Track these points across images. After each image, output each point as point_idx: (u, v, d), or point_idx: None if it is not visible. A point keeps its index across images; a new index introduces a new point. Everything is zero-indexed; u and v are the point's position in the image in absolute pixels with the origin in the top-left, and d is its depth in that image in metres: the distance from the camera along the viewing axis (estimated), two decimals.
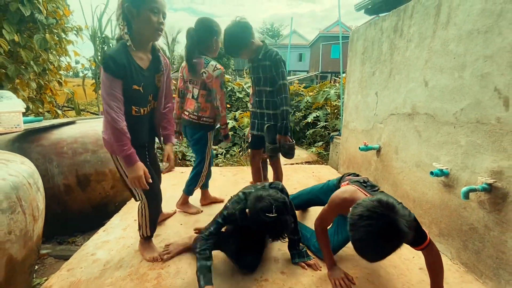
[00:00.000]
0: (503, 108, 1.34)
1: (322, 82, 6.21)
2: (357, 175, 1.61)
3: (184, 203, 2.20)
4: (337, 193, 1.37)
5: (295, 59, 27.47)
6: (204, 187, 2.31)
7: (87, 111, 6.12)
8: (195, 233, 1.81)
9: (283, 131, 1.90)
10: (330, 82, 7.08)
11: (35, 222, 1.34)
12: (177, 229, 1.97)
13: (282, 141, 1.93)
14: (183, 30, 23.28)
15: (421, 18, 1.90)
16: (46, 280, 1.51)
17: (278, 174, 2.21)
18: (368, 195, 1.16)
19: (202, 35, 1.82)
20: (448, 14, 1.66)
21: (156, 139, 1.67)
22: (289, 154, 1.95)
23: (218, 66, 1.82)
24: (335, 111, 5.02)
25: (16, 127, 1.69)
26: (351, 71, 3.08)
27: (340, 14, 4.66)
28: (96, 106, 5.52)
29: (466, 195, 1.41)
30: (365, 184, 1.37)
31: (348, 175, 1.64)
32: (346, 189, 1.34)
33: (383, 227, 0.96)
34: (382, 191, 1.37)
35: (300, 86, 6.49)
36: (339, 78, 4.79)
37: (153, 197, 1.57)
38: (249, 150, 2.38)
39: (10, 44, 2.24)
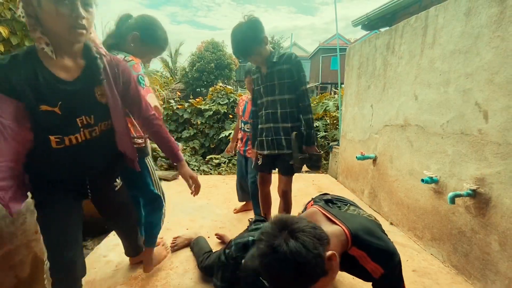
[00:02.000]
0: (483, 120, 1.47)
1: (322, 93, 6.40)
2: (326, 194, 1.43)
3: (148, 259, 1.59)
4: None
5: None
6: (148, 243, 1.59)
7: None
8: (217, 238, 1.98)
9: (311, 140, 1.68)
10: (330, 93, 7.28)
11: None
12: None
13: (309, 152, 1.69)
14: (186, 42, 23.84)
15: (410, 38, 2.06)
16: None
17: (288, 205, 1.83)
18: (329, 215, 1.03)
19: (121, 27, 1.37)
20: (434, 35, 1.82)
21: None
22: (316, 166, 1.72)
23: (130, 57, 1.29)
24: (334, 121, 5.17)
25: None
26: (348, 84, 3.24)
27: (339, 27, 4.90)
28: None
29: (452, 200, 1.52)
30: (331, 204, 1.20)
31: (321, 195, 1.44)
32: (306, 213, 1.22)
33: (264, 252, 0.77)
34: (353, 206, 1.23)
35: None
36: (338, 89, 4.97)
37: (63, 269, 1.05)
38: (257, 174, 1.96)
39: None
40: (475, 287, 1.54)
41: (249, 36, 1.58)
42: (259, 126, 1.81)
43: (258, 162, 1.86)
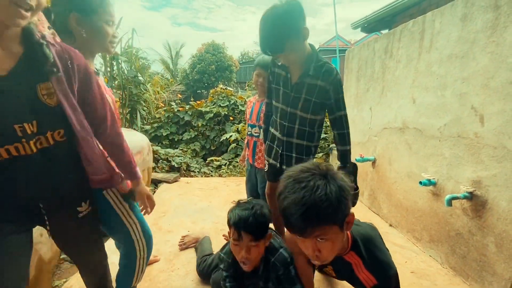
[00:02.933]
0: (479, 124, 1.50)
1: None
2: None
3: None
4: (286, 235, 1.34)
5: None
6: None
7: None
8: (224, 239, 1.99)
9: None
10: None
11: None
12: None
13: None
14: (186, 44, 23.95)
15: (408, 42, 2.09)
16: (65, 281, 1.65)
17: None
18: None
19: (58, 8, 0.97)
20: (431, 40, 1.85)
21: None
22: (354, 203, 1.38)
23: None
24: None
25: None
26: (347, 87, 3.27)
27: (340, 28, 4.93)
28: None
29: (449, 203, 1.55)
30: None
31: None
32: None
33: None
34: None
35: None
36: None
37: None
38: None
39: None
40: None
41: (284, 26, 1.19)
42: (271, 130, 1.56)
43: (265, 168, 1.67)
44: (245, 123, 5.66)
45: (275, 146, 1.53)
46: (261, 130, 1.79)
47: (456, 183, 1.65)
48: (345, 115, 1.37)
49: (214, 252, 1.68)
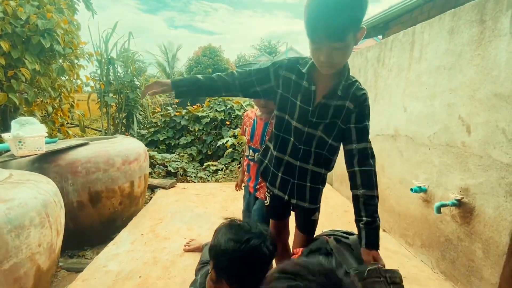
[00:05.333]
0: (466, 133, 1.55)
1: None
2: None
3: None
4: None
5: None
6: None
7: (91, 128, 6.32)
8: (184, 250, 1.99)
9: (376, 241, 0.97)
10: None
11: (58, 236, 1.51)
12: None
13: (375, 259, 0.93)
14: (183, 47, 23.97)
15: (399, 52, 2.15)
16: None
17: None
18: None
19: None
20: (420, 51, 1.91)
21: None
22: None
23: None
24: None
25: (38, 150, 1.88)
26: None
27: None
28: (100, 122, 5.74)
29: (439, 210, 1.60)
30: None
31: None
32: None
33: None
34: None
35: None
36: None
37: None
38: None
39: (31, 73, 2.47)
40: None
41: (359, 6, 0.88)
42: (276, 154, 1.19)
43: (266, 202, 1.33)
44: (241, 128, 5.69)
45: (281, 174, 1.19)
46: None
47: (446, 190, 1.70)
48: (372, 147, 1.06)
49: None
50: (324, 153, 1.14)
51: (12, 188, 1.34)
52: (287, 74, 1.10)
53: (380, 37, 5.03)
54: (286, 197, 1.19)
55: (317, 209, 1.24)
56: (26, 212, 1.26)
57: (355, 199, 1.03)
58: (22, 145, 1.80)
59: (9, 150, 2.02)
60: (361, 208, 1.00)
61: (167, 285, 1.65)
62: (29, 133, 1.83)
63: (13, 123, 1.82)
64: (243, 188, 1.92)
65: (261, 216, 1.53)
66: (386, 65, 2.33)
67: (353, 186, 1.05)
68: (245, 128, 1.72)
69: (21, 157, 1.84)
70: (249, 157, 1.68)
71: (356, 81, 1.06)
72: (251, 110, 1.74)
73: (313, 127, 1.10)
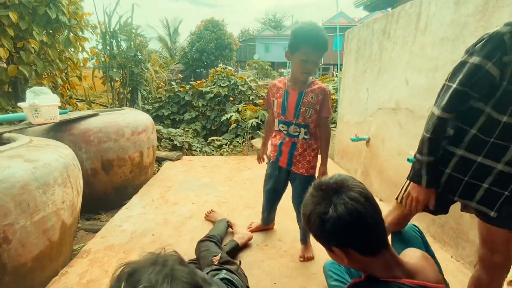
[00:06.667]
0: None
1: (324, 75, 6.42)
2: None
3: None
4: None
5: None
6: None
7: (96, 103, 6.38)
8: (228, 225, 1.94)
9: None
10: (332, 75, 7.29)
11: (78, 196, 1.65)
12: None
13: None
14: (185, 21, 23.28)
15: (405, 24, 2.14)
16: (83, 245, 1.84)
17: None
18: None
19: None
20: (426, 22, 1.91)
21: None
22: None
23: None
24: (333, 104, 5.27)
25: (53, 118, 1.98)
26: (346, 68, 3.33)
27: (343, 5, 4.87)
28: (105, 97, 5.79)
29: None
30: None
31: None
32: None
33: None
34: None
35: None
36: (338, 72, 5.01)
37: None
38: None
39: (39, 44, 2.51)
40: (448, 253, 1.75)
41: None
42: (471, 156, 0.98)
43: (429, 205, 1.11)
44: (245, 104, 5.72)
45: (487, 185, 0.96)
46: (318, 130, 1.54)
47: None
48: None
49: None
50: None
51: (35, 150, 1.45)
52: (505, 58, 0.86)
53: (389, 9, 4.87)
54: (475, 204, 0.99)
55: None
56: (50, 172, 1.38)
57: None
58: (38, 113, 1.89)
59: (23, 120, 2.12)
60: None
61: (178, 242, 1.81)
62: (44, 102, 1.92)
63: (28, 92, 1.90)
64: (265, 162, 1.78)
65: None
66: (392, 38, 2.32)
67: None
68: (273, 100, 1.54)
69: (38, 125, 1.94)
70: (283, 131, 1.55)
71: None
72: (278, 80, 1.57)
73: None
